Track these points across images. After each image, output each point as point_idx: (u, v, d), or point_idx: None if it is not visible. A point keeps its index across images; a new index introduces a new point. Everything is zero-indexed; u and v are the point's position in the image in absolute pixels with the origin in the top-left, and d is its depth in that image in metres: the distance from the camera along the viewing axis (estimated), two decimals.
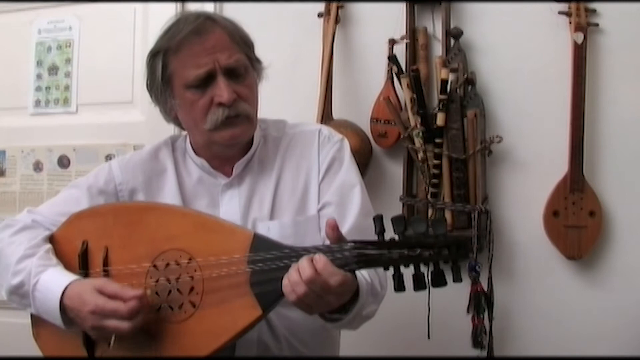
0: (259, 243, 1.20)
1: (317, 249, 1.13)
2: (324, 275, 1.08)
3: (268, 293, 1.16)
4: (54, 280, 1.27)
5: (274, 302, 1.17)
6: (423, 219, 1.09)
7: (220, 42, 1.34)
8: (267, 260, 1.16)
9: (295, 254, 1.15)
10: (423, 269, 1.08)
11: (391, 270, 1.10)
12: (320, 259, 1.09)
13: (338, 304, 1.15)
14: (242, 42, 1.39)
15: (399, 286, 1.09)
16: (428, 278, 1.08)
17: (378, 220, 1.11)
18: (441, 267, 1.08)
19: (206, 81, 1.33)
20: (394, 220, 1.09)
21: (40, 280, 1.27)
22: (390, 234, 1.11)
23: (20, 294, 1.30)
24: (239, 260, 1.19)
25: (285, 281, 1.12)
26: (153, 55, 1.38)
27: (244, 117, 1.36)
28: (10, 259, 1.32)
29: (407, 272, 1.09)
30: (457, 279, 1.07)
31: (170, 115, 1.43)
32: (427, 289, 1.09)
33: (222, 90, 1.32)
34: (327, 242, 1.16)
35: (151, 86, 1.41)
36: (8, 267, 1.32)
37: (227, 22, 1.39)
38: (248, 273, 1.18)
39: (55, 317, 1.26)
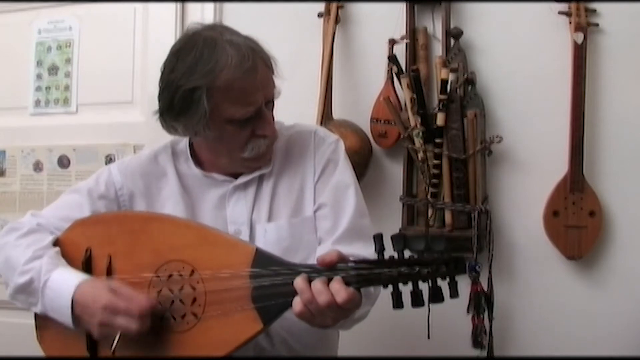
0: (261, 258, 1.20)
1: (319, 269, 1.13)
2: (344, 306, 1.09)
3: (269, 307, 1.16)
4: (66, 277, 1.27)
5: (275, 316, 1.17)
6: (422, 236, 1.10)
7: (265, 76, 1.33)
8: (269, 276, 1.17)
9: (297, 270, 1.15)
10: (421, 285, 1.09)
11: (390, 288, 1.10)
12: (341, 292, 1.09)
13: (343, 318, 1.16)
14: (273, 67, 1.37)
15: (398, 304, 1.10)
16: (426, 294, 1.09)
17: (378, 238, 1.11)
18: (439, 284, 1.09)
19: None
20: (394, 238, 1.10)
21: (51, 277, 1.27)
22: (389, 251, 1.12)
23: (27, 292, 1.30)
24: (241, 275, 1.19)
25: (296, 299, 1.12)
26: (191, 90, 1.29)
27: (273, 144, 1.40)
28: (18, 260, 1.31)
29: (405, 289, 1.10)
30: (454, 294, 1.08)
31: (184, 135, 1.41)
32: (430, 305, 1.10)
33: (268, 124, 1.35)
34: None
35: (180, 116, 1.33)
36: (15, 267, 1.31)
37: (262, 51, 1.34)
38: (250, 287, 1.18)
39: (64, 314, 1.25)
